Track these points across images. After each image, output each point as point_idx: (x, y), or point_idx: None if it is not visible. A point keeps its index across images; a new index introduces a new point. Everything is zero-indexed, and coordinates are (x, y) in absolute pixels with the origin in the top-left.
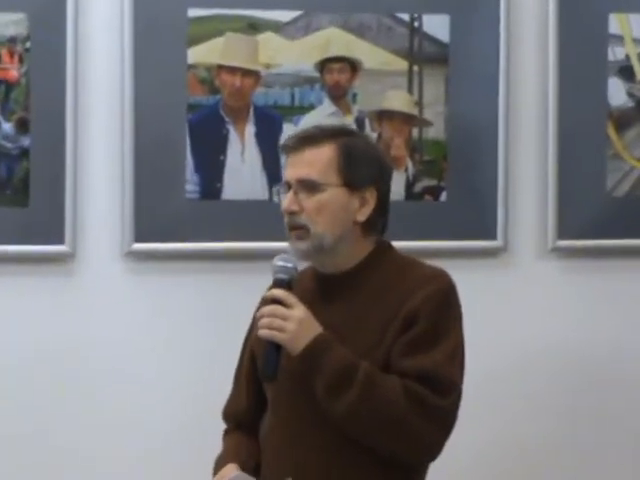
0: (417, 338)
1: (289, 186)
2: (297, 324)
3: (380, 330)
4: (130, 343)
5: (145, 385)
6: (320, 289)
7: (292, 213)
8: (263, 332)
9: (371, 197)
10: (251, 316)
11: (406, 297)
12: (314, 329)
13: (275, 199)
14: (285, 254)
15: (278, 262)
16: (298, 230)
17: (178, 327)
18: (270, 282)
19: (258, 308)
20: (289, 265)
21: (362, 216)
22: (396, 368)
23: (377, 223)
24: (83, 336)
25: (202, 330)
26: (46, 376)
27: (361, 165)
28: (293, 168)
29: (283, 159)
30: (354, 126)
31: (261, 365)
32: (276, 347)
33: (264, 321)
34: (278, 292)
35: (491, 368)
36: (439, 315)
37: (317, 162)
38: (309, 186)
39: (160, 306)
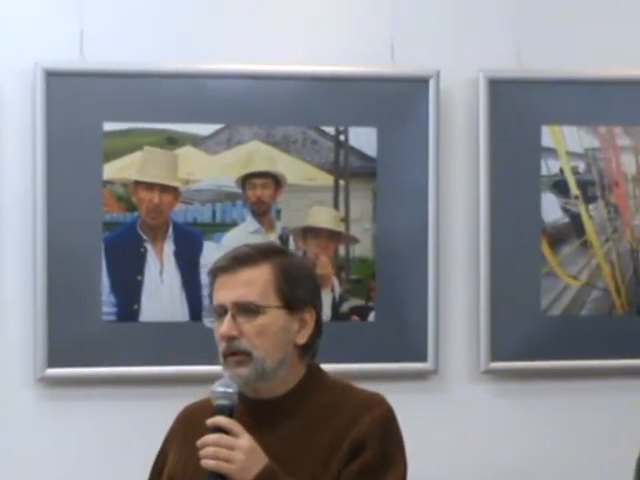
0: (368, 466)
1: (224, 310)
2: (245, 454)
3: (324, 458)
4: (42, 475)
5: None
6: (252, 415)
7: (231, 338)
8: (208, 463)
9: (310, 318)
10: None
11: (349, 423)
12: (261, 459)
13: (208, 324)
14: (224, 379)
15: (218, 388)
16: (238, 355)
17: (94, 455)
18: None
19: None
20: (230, 390)
21: (302, 339)
22: None
23: (314, 346)
24: None
25: (119, 458)
26: None
27: (299, 285)
28: (228, 290)
29: (205, 279)
30: (278, 243)
31: None
32: (221, 478)
33: (209, 451)
34: (222, 420)
35: None
36: (387, 441)
37: (255, 283)
38: (248, 309)
39: (74, 434)
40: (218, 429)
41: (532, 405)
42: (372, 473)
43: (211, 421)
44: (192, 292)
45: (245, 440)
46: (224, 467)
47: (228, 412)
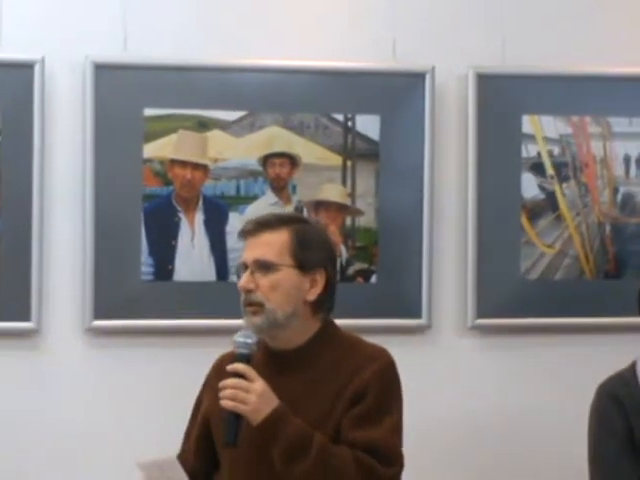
0: (365, 412)
1: (246, 266)
2: (258, 397)
3: (330, 403)
4: (91, 413)
5: (106, 453)
6: (271, 363)
7: (248, 291)
8: (226, 403)
9: (320, 279)
10: (200, 384)
11: (354, 373)
12: (272, 402)
13: (233, 279)
14: (246, 330)
15: (239, 338)
16: (253, 306)
17: (135, 397)
18: (218, 355)
19: (209, 376)
20: (249, 341)
21: (312, 296)
22: (346, 439)
23: (325, 303)
24: (46, 407)
25: (156, 398)
26: (9, 444)
27: (312, 249)
28: (250, 250)
29: (237, 243)
30: (299, 214)
31: (222, 432)
32: (237, 416)
33: (227, 393)
34: (240, 366)
35: (419, 433)
36: (385, 391)
37: (273, 245)
38: (265, 266)
39: (117, 377)
40: (236, 374)
41: (512, 356)
42: (370, 418)
43: (230, 367)
44: (219, 256)
45: (259, 384)
46: (240, 408)
47: (246, 359)
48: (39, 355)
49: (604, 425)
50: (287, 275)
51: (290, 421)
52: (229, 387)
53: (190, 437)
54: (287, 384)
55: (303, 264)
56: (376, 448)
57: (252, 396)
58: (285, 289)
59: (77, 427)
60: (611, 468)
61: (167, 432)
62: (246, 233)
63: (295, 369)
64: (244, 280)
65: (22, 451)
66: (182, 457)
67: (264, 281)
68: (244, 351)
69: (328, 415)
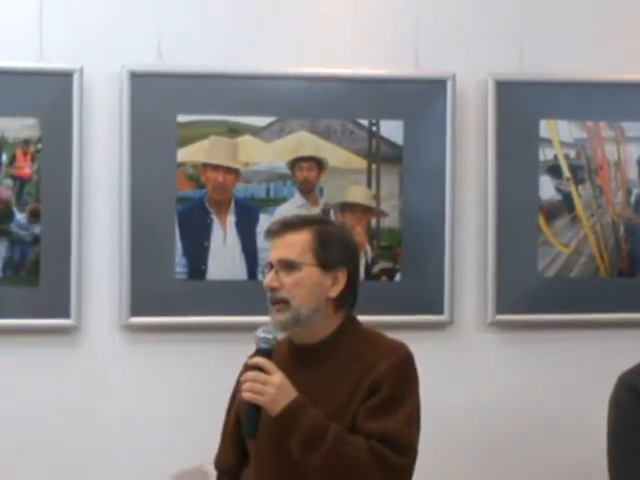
0: (380, 404)
1: (271, 266)
2: (275, 389)
3: (348, 395)
4: (127, 405)
5: (142, 447)
6: (295, 357)
7: (273, 289)
8: (246, 395)
9: (342, 276)
10: (233, 380)
11: (371, 367)
12: (290, 394)
13: (260, 277)
14: (266, 326)
15: (260, 334)
16: (279, 304)
17: (169, 390)
18: (249, 350)
19: (241, 373)
20: (269, 336)
21: (334, 293)
22: (361, 429)
23: (347, 299)
24: (85, 399)
25: (189, 392)
26: (49, 438)
27: (333, 249)
28: (275, 250)
29: (266, 243)
30: (323, 215)
31: (243, 423)
32: (257, 408)
33: (247, 385)
34: (259, 360)
35: (439, 426)
36: (400, 383)
37: (296, 245)
38: (288, 265)
39: (153, 371)
40: (256, 367)
41: (530, 351)
42: (384, 409)
43: (250, 361)
44: (250, 255)
45: (277, 377)
46: (258, 399)
47: (267, 354)
48: (78, 350)
49: (622, 416)
50: (309, 273)
51: (307, 412)
52: (249, 380)
53: (226, 433)
54: (308, 377)
55: (324, 263)
56: (390, 438)
57: (269, 388)
58: (308, 286)
59: (114, 421)
60: (629, 459)
61: (202, 426)
62: (272, 233)
63: (316, 362)
64: (268, 279)
65: (60, 444)
66: (220, 453)
67: (288, 279)
68: (264, 346)
69: (346, 407)
